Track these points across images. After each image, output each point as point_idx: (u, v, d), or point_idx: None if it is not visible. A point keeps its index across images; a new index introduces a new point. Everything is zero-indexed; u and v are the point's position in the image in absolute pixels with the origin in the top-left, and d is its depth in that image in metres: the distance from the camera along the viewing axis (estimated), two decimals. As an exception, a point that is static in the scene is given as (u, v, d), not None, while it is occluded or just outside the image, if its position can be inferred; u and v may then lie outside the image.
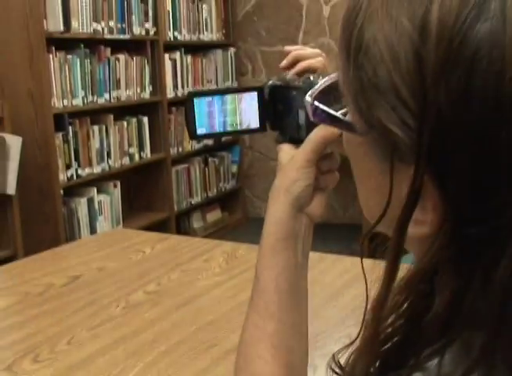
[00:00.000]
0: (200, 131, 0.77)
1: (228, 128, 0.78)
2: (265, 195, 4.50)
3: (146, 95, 3.61)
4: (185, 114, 0.77)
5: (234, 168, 4.44)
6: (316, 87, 0.55)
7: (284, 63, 0.85)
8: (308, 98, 0.53)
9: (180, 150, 3.96)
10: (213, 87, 4.18)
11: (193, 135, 0.77)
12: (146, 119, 3.65)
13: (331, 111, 0.50)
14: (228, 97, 0.77)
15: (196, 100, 0.76)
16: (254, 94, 0.76)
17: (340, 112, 0.49)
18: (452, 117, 0.39)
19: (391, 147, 0.43)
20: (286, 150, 0.72)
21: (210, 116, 0.76)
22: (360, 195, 0.51)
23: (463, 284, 0.42)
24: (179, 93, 3.91)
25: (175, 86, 3.89)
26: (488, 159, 0.39)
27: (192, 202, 4.05)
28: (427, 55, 0.40)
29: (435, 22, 0.40)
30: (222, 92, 0.77)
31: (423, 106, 0.40)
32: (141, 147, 3.62)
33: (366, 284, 0.52)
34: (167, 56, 3.80)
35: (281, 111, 0.75)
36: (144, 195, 3.82)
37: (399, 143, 0.43)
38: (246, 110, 0.77)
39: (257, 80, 4.37)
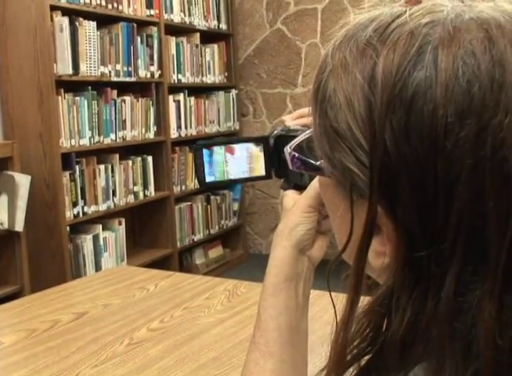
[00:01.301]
0: (209, 179, 0.78)
1: (236, 176, 0.79)
2: (265, 232, 4.49)
3: (151, 135, 3.61)
4: (194, 164, 0.79)
5: (235, 206, 4.39)
6: (295, 140, 0.58)
7: (289, 117, 0.87)
8: (287, 148, 0.56)
9: (183, 188, 3.89)
10: (215, 127, 4.18)
11: (203, 184, 0.78)
12: (150, 158, 3.63)
13: (304, 158, 0.54)
14: (236, 147, 0.78)
15: (205, 150, 0.77)
16: (260, 143, 0.78)
17: (318, 162, 0.51)
18: (396, 152, 0.43)
19: (350, 184, 0.46)
20: (290, 196, 0.73)
21: (219, 165, 0.78)
22: (334, 231, 0.54)
23: (417, 307, 0.43)
24: (183, 133, 3.88)
25: (179, 127, 3.85)
26: (427, 188, 0.42)
27: (195, 239, 3.98)
28: (375, 100, 0.43)
29: (381, 72, 0.44)
30: (230, 142, 0.78)
31: (372, 145, 0.43)
32: (145, 186, 3.58)
33: (335, 311, 0.53)
34: (171, 97, 3.79)
35: (285, 160, 0.76)
36: (148, 232, 3.77)
37: (357, 180, 0.45)
38: (253, 159, 0.78)
39: (257, 121, 4.36)
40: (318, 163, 0.51)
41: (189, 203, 3.99)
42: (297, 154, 0.55)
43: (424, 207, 0.42)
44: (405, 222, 0.43)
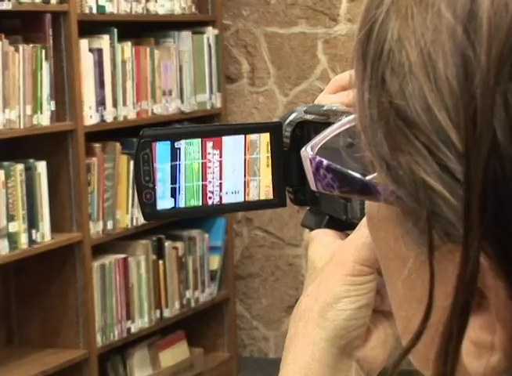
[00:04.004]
0: (164, 204, 0.76)
1: (219, 200, 0.79)
2: (274, 314, 4.17)
3: (44, 119, 3.29)
4: (134, 174, 0.78)
5: (215, 262, 4.03)
6: (324, 133, 0.58)
7: (325, 91, 0.86)
8: (307, 150, 0.54)
9: (109, 225, 3.52)
10: (175, 104, 3.86)
11: (151, 214, 0.76)
12: (42, 166, 3.27)
13: (341, 169, 0.51)
14: (215, 142, 0.78)
15: (157, 146, 0.76)
16: (264, 137, 0.79)
17: (368, 176, 0.52)
18: None
19: (428, 215, 0.44)
20: (323, 241, 0.73)
21: (186, 176, 0.77)
22: (393, 307, 0.52)
23: None
24: (108, 116, 3.53)
25: (101, 103, 3.49)
26: None
27: (132, 328, 3.62)
28: (477, 57, 0.42)
29: (487, 5, 0.42)
30: (204, 133, 0.78)
31: (471, 140, 0.42)
32: (32, 222, 3.24)
33: None
34: (84, 43, 3.41)
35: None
36: (36, 316, 3.48)
37: (441, 207, 0.43)
38: (251, 167, 0.79)
39: (258, 90, 4.13)
40: (368, 178, 0.48)
41: (122, 255, 3.64)
42: (325, 161, 0.52)
43: None
44: None
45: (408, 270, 0.46)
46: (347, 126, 0.56)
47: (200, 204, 0.77)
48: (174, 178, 0.77)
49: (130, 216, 3.62)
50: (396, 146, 0.43)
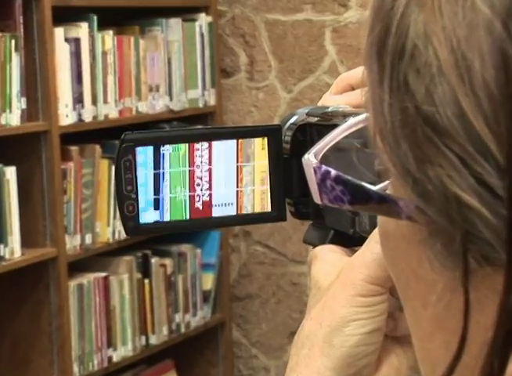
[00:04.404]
0: (148, 217, 0.77)
1: (211, 213, 0.80)
2: (275, 341, 4.08)
3: (14, 118, 3.26)
4: (115, 181, 0.77)
5: (208, 281, 3.98)
6: (328, 138, 0.58)
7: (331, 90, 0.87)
8: (309, 158, 0.54)
9: (87, 240, 3.45)
10: (163, 101, 3.82)
11: (132, 227, 0.77)
12: (11, 172, 3.26)
13: (350, 180, 0.51)
14: (205, 146, 0.79)
15: (139, 151, 0.77)
16: (261, 142, 0.80)
17: (384, 189, 0.52)
18: None
19: (463, 237, 0.44)
20: (328, 258, 0.73)
21: (167, 186, 0.78)
22: (411, 327, 0.52)
23: None
24: (87, 115, 3.48)
25: (78, 100, 3.45)
26: None
27: (114, 357, 3.54)
28: None
29: None
30: (197, 137, 0.79)
31: None
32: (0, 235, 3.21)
33: None
34: (59, 31, 3.36)
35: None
36: (2, 347, 3.45)
37: (478, 227, 0.43)
38: (247, 176, 0.80)
39: (258, 86, 4.06)
40: (385, 192, 0.48)
41: (102, 273, 3.59)
42: (333, 171, 0.51)
43: None
44: None
45: (436, 297, 0.45)
46: (355, 128, 0.56)
47: (188, 218, 0.78)
48: (157, 189, 0.77)
49: (111, 229, 3.54)
50: (424, 158, 0.43)
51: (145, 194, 0.77)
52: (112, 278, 3.54)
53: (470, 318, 0.43)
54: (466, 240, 0.43)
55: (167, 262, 3.77)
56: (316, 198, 0.51)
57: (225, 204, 0.79)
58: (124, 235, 3.49)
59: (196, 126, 3.71)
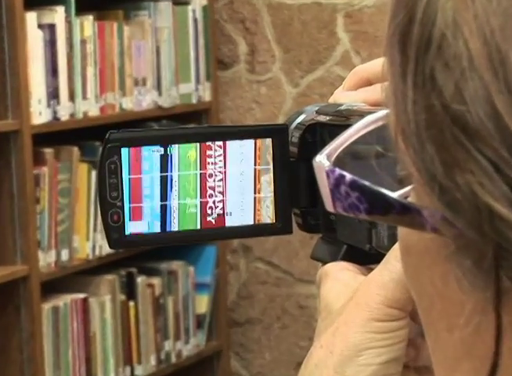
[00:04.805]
0: (132, 228, 0.78)
1: (198, 224, 0.80)
2: (278, 371, 4.10)
3: None
4: (98, 186, 0.78)
5: (202, 303, 3.98)
6: (342, 138, 0.57)
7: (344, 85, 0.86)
8: (320, 160, 0.54)
9: (63, 256, 3.44)
10: (151, 96, 3.85)
11: (117, 238, 0.78)
12: None
13: (368, 186, 0.51)
14: (199, 148, 0.79)
15: (124, 153, 0.77)
16: (266, 143, 0.80)
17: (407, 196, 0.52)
18: None
19: (495, 253, 0.44)
20: (340, 277, 0.74)
21: (155, 193, 0.78)
22: (433, 354, 0.53)
23: None
24: (63, 113, 3.49)
25: (53, 95, 3.47)
26: None
27: None
28: None
29: None
30: (187, 138, 0.79)
31: None
32: None
33: None
34: (31, 16, 3.41)
35: None
36: None
37: (510, 240, 0.43)
38: (249, 182, 0.80)
39: (260, 79, 4.05)
40: (407, 200, 0.49)
41: (81, 295, 3.60)
42: (349, 175, 0.51)
43: None
44: None
45: (464, 320, 0.46)
46: (373, 126, 0.55)
47: (180, 229, 0.80)
48: (142, 193, 0.78)
49: (91, 244, 3.51)
50: (452, 162, 0.43)
51: (129, 201, 0.77)
52: (92, 300, 3.49)
53: (503, 344, 0.43)
54: (499, 256, 0.42)
55: (156, 281, 3.73)
56: (328, 206, 0.51)
57: (228, 215, 0.80)
58: (105, 250, 3.50)
59: (188, 125, 3.66)
